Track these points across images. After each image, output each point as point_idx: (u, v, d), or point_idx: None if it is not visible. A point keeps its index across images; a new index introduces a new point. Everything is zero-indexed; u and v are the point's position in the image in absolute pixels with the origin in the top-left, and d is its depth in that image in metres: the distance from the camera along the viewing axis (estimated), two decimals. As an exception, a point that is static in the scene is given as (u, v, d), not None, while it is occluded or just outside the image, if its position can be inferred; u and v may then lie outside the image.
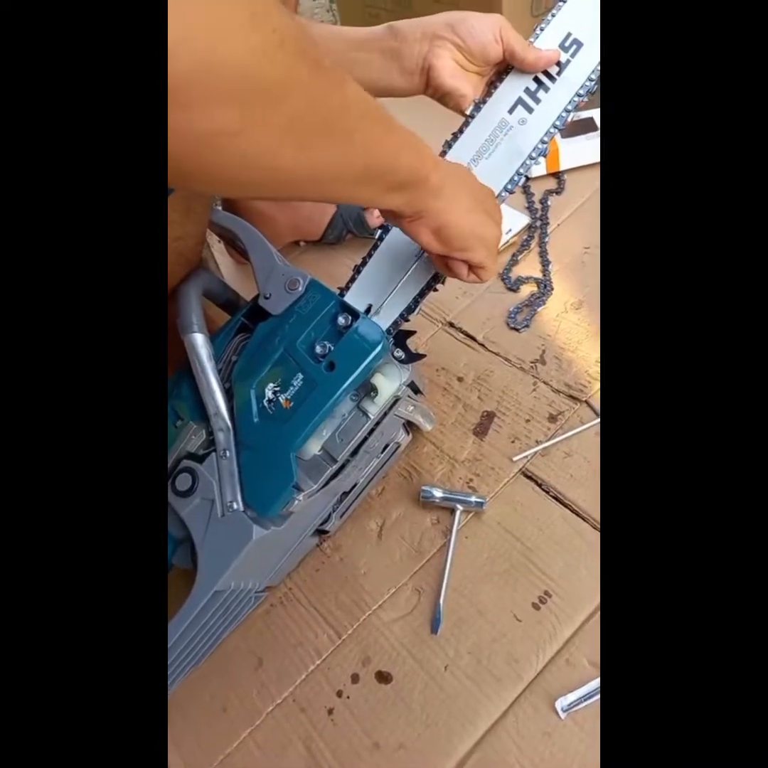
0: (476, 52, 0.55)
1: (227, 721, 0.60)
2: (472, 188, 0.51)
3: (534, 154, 0.57)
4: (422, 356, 0.59)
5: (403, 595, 0.63)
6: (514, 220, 0.92)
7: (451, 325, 0.84)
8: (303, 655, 0.61)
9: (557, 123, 0.57)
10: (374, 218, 0.96)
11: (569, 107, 0.57)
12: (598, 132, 0.94)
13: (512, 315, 0.83)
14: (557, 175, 0.96)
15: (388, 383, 0.56)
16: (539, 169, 0.96)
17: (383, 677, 0.58)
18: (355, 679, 0.59)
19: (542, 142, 0.57)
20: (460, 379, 0.79)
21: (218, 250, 1.02)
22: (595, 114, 0.96)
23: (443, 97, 0.59)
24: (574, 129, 0.94)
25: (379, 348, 0.54)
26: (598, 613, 0.58)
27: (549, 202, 0.94)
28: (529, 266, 0.88)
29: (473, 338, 0.82)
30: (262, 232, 0.60)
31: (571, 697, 0.54)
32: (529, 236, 0.91)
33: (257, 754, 0.58)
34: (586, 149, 0.94)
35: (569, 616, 0.58)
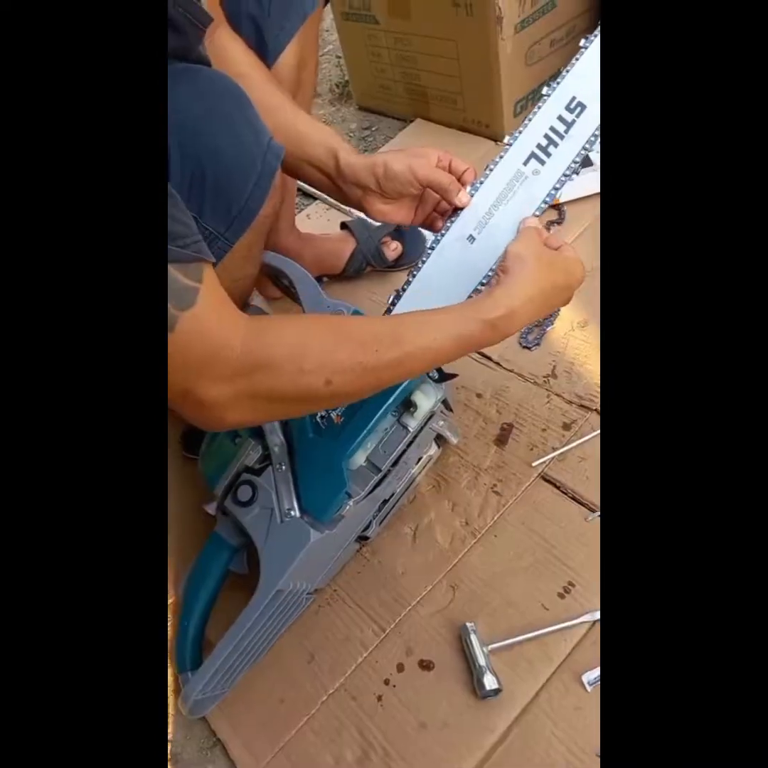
0: (396, 194, 0.65)
1: (285, 711, 0.66)
2: (531, 294, 0.55)
3: (547, 200, 0.65)
4: (454, 376, 0.66)
5: (439, 591, 0.69)
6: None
7: (468, 346, 0.92)
8: (351, 649, 0.67)
9: (567, 172, 0.65)
10: (391, 250, 1.05)
11: (577, 159, 0.65)
12: (594, 167, 1.03)
13: (524, 335, 0.90)
14: (558, 207, 1.05)
15: (426, 400, 0.64)
16: (541, 201, 1.05)
17: (426, 665, 0.65)
18: (400, 668, 0.65)
19: (554, 188, 0.65)
20: (479, 396, 0.86)
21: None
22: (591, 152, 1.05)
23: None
24: (571, 165, 1.03)
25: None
26: (618, 600, 0.65)
27: (552, 232, 1.02)
28: (536, 290, 0.96)
29: (489, 358, 0.90)
30: None
31: (597, 671, 0.60)
32: (535, 263, 0.99)
33: (314, 739, 0.64)
34: (584, 182, 1.03)
35: (593, 603, 0.65)
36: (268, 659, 0.68)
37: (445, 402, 0.68)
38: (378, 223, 1.12)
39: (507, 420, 0.82)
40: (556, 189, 0.66)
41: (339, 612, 0.70)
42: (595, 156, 1.05)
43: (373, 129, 1.43)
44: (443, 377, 0.66)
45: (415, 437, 0.66)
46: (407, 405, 0.64)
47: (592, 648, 0.62)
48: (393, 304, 0.66)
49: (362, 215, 1.21)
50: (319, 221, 1.24)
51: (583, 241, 1.00)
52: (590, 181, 1.04)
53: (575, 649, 0.62)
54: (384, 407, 0.60)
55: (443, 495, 0.77)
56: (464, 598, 0.68)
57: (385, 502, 0.70)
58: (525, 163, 0.67)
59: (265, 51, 0.72)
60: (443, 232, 0.66)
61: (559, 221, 1.04)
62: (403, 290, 0.66)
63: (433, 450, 0.74)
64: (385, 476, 0.65)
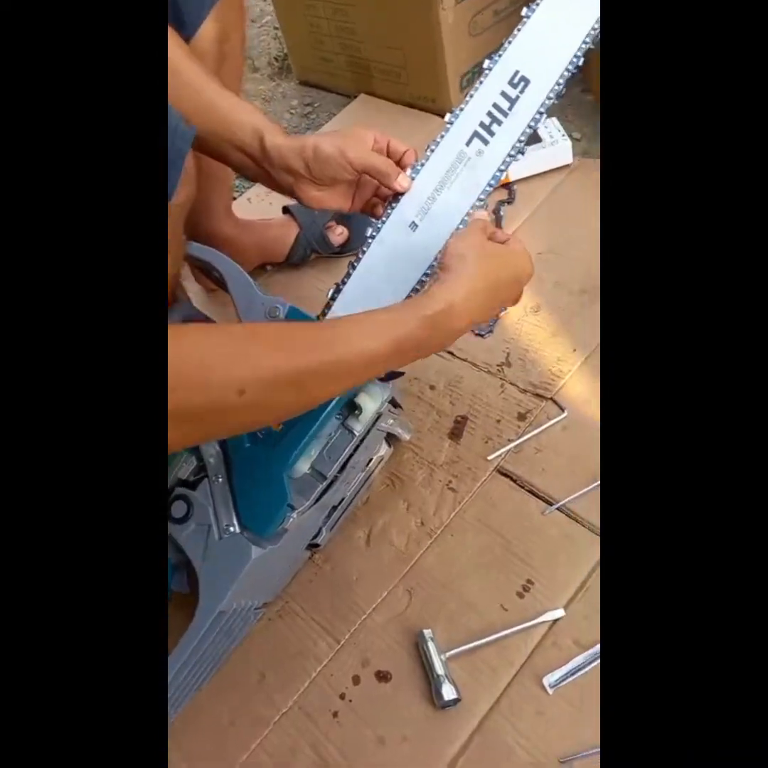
0: (329, 180, 0.60)
1: (236, 734, 0.62)
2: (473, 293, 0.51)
3: (492, 182, 0.61)
4: (401, 374, 0.62)
5: (395, 597, 0.66)
6: (470, 231, 0.96)
7: (419, 335, 0.88)
8: (304, 663, 0.64)
9: (511, 153, 0.61)
10: (336, 235, 1.00)
11: (522, 138, 0.61)
12: (543, 143, 1.00)
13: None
14: (508, 186, 1.01)
15: (372, 401, 0.60)
16: (490, 180, 1.01)
17: (383, 676, 0.62)
18: (356, 680, 0.62)
19: (499, 170, 0.61)
20: (432, 387, 0.83)
21: (187, 277, 1.03)
22: (539, 127, 1.01)
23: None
24: (519, 141, 0.99)
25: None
26: (579, 594, 0.63)
27: (502, 212, 0.98)
28: (487, 274, 0.93)
29: (441, 347, 0.86)
30: (229, 257, 0.62)
31: (558, 673, 0.58)
32: (486, 245, 0.96)
33: (268, 761, 0.60)
34: (533, 161, 1.00)
35: (552, 601, 0.63)
36: (217, 681, 0.64)
37: (392, 401, 0.64)
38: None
39: (461, 412, 0.79)
40: (501, 171, 0.62)
41: (291, 625, 0.67)
42: (545, 132, 1.01)
43: (316, 105, 1.36)
44: (390, 375, 0.62)
45: (362, 440, 0.62)
46: (352, 407, 0.60)
47: (552, 649, 0.60)
48: (332, 298, 0.62)
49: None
50: (260, 205, 1.18)
51: (534, 222, 0.97)
52: (540, 160, 1.00)
53: (535, 651, 0.60)
54: (325, 412, 0.56)
55: (397, 494, 0.74)
56: (421, 603, 0.65)
57: (335, 508, 0.67)
58: (468, 144, 0.63)
59: (182, 24, 0.65)
60: (384, 219, 0.62)
61: (509, 201, 1.00)
62: (343, 283, 0.61)
63: (384, 450, 0.71)
64: (331, 483, 0.61)
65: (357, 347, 0.46)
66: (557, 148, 1.00)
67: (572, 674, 0.58)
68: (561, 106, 1.19)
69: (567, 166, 1.01)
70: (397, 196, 0.61)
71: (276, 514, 0.56)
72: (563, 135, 1.00)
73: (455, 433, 0.78)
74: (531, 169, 1.01)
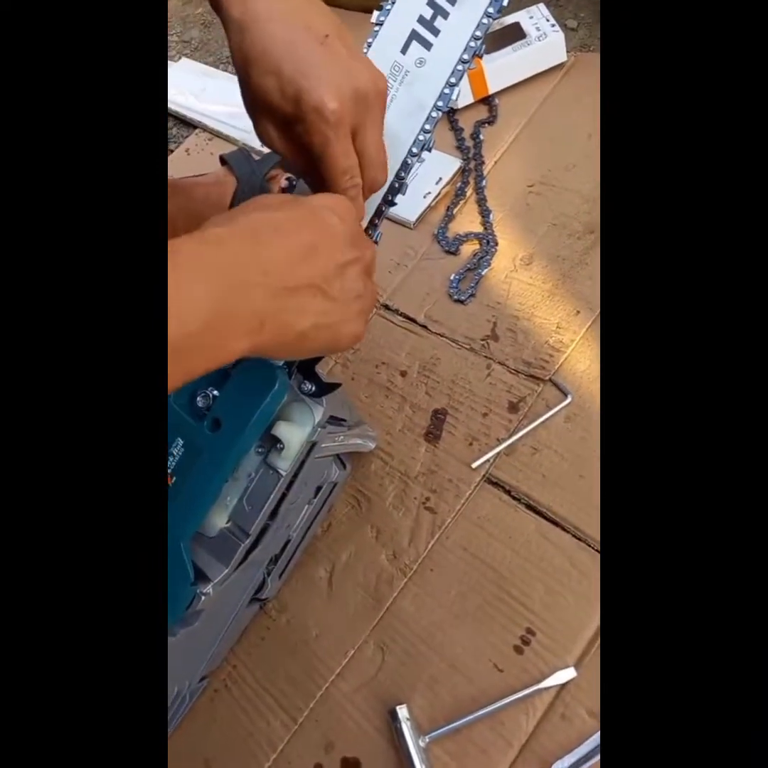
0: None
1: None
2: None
3: (440, 104, 0.44)
4: (337, 385, 0.47)
5: (365, 656, 0.53)
6: (442, 165, 0.77)
7: (387, 307, 0.72)
8: (256, 748, 0.52)
9: (465, 57, 0.44)
10: (280, 189, 0.82)
11: (478, 34, 0.43)
12: (527, 40, 0.78)
13: (454, 284, 0.70)
14: (487, 101, 0.81)
15: (297, 431, 0.45)
16: (466, 96, 0.81)
17: (350, 764, 0.50)
18: (320, 768, 0.51)
19: (449, 85, 0.44)
20: (403, 374, 0.67)
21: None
22: (521, 18, 0.79)
23: None
24: (498, 41, 0.78)
25: (272, 392, 0.42)
26: (593, 647, 0.49)
27: (482, 136, 0.79)
28: (467, 219, 0.74)
29: (413, 320, 0.70)
30: None
31: (569, 760, 0.46)
32: (464, 182, 0.77)
33: None
34: (516, 64, 0.78)
35: (559, 657, 0.49)
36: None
37: (332, 420, 0.49)
38: (265, 151, 0.88)
39: (439, 405, 0.64)
40: (452, 86, 0.45)
41: (239, 698, 0.55)
42: (530, 24, 0.79)
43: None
44: (324, 389, 0.46)
45: (295, 476, 0.47)
46: (273, 440, 0.45)
47: (562, 724, 0.47)
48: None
49: (246, 143, 0.97)
50: (200, 156, 1.00)
51: (522, 145, 0.77)
52: (526, 61, 0.79)
53: (539, 727, 0.47)
54: (229, 458, 0.41)
55: (364, 518, 0.60)
56: (396, 663, 0.52)
57: (281, 552, 0.53)
58: (404, 50, 0.45)
59: None
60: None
61: (490, 120, 0.80)
62: None
63: (337, 475, 0.56)
64: (260, 537, 0.47)
65: None
66: (547, 43, 0.78)
67: (589, 758, 0.45)
68: (551, -14, 0.94)
69: (562, 65, 0.80)
70: None
71: (177, 596, 0.42)
72: (553, 25, 0.78)
73: (433, 434, 0.63)
74: (515, 75, 0.80)
